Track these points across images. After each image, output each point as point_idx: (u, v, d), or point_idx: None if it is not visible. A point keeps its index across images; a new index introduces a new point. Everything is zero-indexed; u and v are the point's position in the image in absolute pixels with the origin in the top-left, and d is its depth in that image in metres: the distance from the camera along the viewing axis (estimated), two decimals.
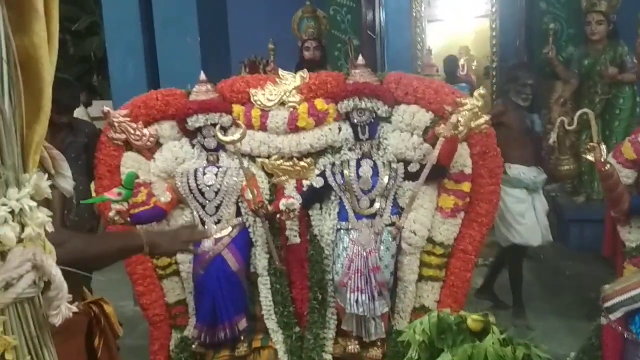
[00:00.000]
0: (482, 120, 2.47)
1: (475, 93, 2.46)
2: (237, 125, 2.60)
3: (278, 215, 2.56)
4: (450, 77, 5.69)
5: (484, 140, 2.57)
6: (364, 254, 2.55)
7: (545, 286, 3.69)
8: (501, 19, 5.73)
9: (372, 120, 2.63)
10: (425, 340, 1.37)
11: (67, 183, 1.21)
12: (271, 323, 2.71)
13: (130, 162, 2.74)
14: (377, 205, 2.63)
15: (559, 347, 2.75)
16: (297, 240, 2.71)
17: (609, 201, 2.42)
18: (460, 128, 2.41)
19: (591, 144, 2.30)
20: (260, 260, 2.71)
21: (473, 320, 1.39)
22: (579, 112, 2.43)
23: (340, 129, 2.70)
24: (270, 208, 2.57)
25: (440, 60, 6.56)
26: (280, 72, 2.85)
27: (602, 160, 2.29)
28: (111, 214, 2.46)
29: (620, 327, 2.22)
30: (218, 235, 2.65)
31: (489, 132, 2.56)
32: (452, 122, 2.41)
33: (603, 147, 2.32)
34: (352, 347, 2.66)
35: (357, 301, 2.51)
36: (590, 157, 2.32)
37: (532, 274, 3.96)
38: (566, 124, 2.46)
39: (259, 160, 2.77)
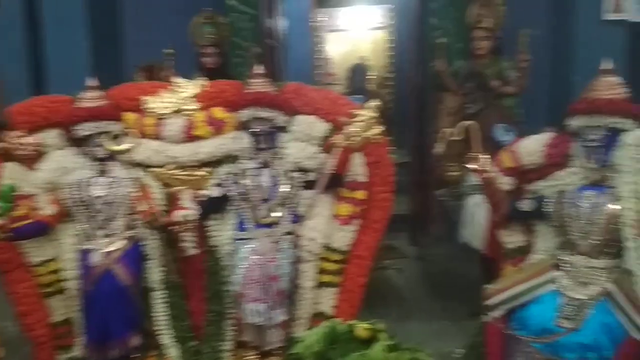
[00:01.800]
0: (375, 131, 2.59)
1: (369, 105, 2.57)
2: (129, 134, 2.52)
3: (174, 227, 2.50)
4: (356, 85, 5.57)
5: (377, 150, 2.68)
6: (263, 263, 2.56)
7: (433, 286, 3.89)
8: (396, 31, 5.99)
9: (271, 130, 2.66)
10: (318, 351, 1.39)
11: None
12: (166, 338, 2.63)
13: (10, 174, 2.55)
14: (275, 214, 2.65)
15: (448, 345, 2.90)
16: (194, 251, 2.66)
17: (490, 206, 2.59)
18: (355, 138, 2.51)
19: (473, 153, 2.46)
20: (154, 274, 2.63)
21: (363, 329, 1.44)
22: (465, 124, 2.59)
23: (239, 138, 2.70)
24: (165, 219, 2.51)
25: (340, 69, 6.72)
26: (177, 79, 2.80)
27: (483, 168, 2.45)
28: None
29: (501, 324, 2.38)
30: (109, 249, 2.55)
31: (382, 142, 2.67)
32: (347, 133, 2.50)
33: (485, 156, 2.48)
34: (251, 357, 2.65)
35: (255, 311, 2.52)
36: (472, 165, 2.48)
37: (419, 274, 4.17)
38: (452, 134, 2.61)
39: (153, 169, 2.69)
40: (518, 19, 4.11)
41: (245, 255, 2.59)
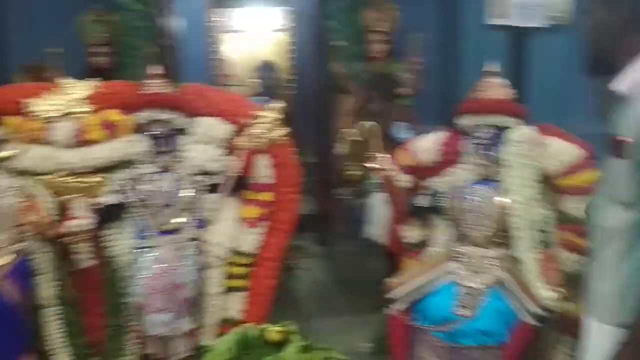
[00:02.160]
0: (280, 132, 2.59)
1: (273, 105, 2.57)
2: (12, 140, 2.34)
3: (67, 238, 2.35)
4: (266, 84, 5.50)
5: (283, 151, 2.67)
6: (167, 271, 2.47)
7: (340, 283, 3.97)
8: (297, 34, 6.04)
9: (171, 132, 2.57)
10: (229, 359, 1.37)
11: None
12: (61, 357, 2.47)
13: None
14: (179, 220, 2.57)
15: (356, 340, 2.96)
16: (90, 263, 2.51)
17: (391, 203, 2.69)
18: (260, 140, 2.50)
19: (373, 153, 2.55)
20: (46, 290, 2.46)
21: (275, 332, 1.43)
22: (365, 124, 2.66)
23: (136, 142, 2.58)
24: (57, 230, 2.35)
25: (240, 71, 6.63)
26: (64, 80, 2.64)
27: (383, 167, 2.54)
28: None
29: (404, 316, 2.47)
30: None
31: (287, 143, 2.68)
32: (252, 134, 2.48)
33: (384, 155, 2.57)
34: None
35: (160, 322, 2.42)
36: (372, 164, 2.56)
37: (326, 272, 4.25)
38: (353, 135, 2.67)
39: (42, 177, 2.51)
40: (409, 23, 4.31)
41: (147, 264, 2.49)
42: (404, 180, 2.66)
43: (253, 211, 2.68)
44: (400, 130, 3.21)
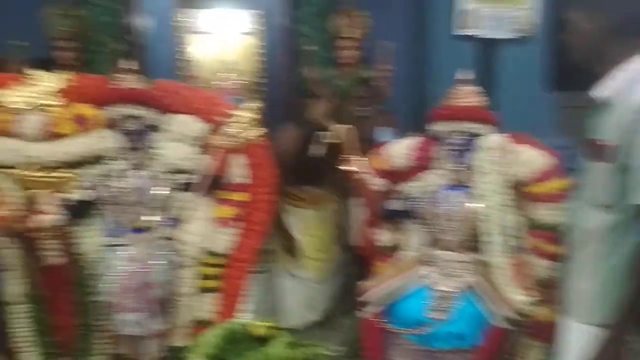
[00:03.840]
0: (257, 132, 2.58)
1: (250, 105, 2.55)
2: None
3: (35, 233, 2.27)
4: None
5: (259, 151, 2.65)
6: (138, 270, 2.42)
7: None
8: (266, 38, 6.04)
9: (143, 129, 2.52)
10: (215, 354, 1.35)
11: None
12: (29, 357, 2.38)
13: None
14: (151, 218, 2.52)
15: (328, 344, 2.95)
16: (60, 260, 2.42)
17: (364, 206, 2.71)
18: (236, 139, 2.48)
19: (349, 156, 2.55)
20: (14, 287, 2.37)
21: (261, 327, 1.42)
22: (341, 127, 2.67)
23: (108, 137, 2.51)
24: (26, 226, 2.26)
25: (206, 72, 6.54)
26: (33, 71, 2.55)
27: (357, 170, 2.56)
28: None
29: (377, 319, 2.48)
30: None
31: (263, 143, 2.66)
32: (227, 133, 2.46)
33: (360, 158, 2.59)
34: None
35: (132, 321, 2.37)
36: (347, 167, 2.57)
37: None
38: (330, 138, 2.67)
39: (10, 170, 2.41)
40: (379, 31, 4.37)
41: (119, 262, 2.43)
42: (378, 183, 2.69)
43: (227, 211, 2.65)
44: (384, 135, 3.25)
